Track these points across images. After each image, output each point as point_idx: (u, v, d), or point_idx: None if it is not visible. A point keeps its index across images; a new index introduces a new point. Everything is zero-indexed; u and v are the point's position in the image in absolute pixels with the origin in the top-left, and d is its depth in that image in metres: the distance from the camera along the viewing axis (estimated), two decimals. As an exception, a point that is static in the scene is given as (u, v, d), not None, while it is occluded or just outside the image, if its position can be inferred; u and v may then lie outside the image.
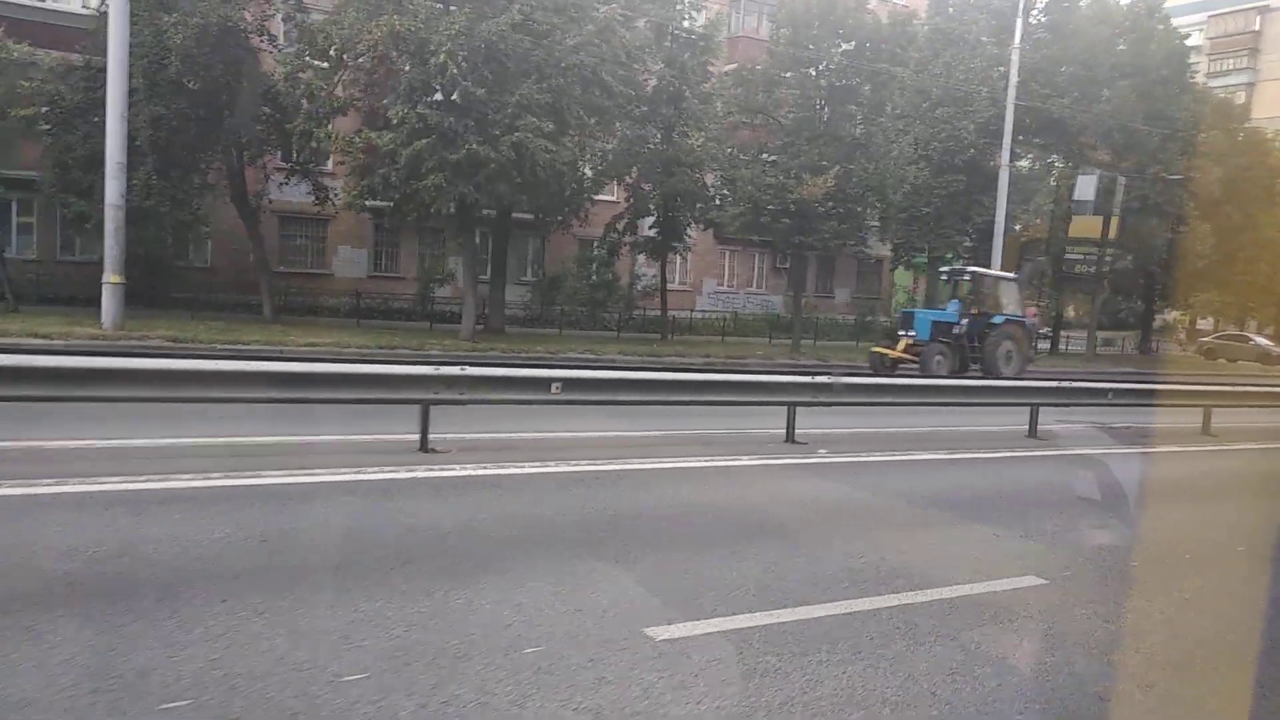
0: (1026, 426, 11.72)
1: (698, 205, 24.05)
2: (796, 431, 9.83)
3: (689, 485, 7.70)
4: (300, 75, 18.68)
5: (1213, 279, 38.07)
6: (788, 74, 21.54)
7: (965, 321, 19.85)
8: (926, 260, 33.13)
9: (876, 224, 28.02)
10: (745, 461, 8.81)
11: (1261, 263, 53.56)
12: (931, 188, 29.98)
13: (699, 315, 34.58)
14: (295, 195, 24.45)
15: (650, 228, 26.38)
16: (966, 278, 21.12)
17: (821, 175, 21.70)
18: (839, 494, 7.86)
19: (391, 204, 17.87)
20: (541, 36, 17.64)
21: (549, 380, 8.39)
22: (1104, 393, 12.68)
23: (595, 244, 28.36)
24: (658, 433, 10.24)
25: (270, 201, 24.35)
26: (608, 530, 5.97)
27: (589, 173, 23.83)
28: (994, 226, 27.54)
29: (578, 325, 30.32)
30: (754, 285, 37.58)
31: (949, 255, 33.67)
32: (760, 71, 21.03)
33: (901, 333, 20.16)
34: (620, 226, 25.68)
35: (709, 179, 24.01)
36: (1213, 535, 7.51)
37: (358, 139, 16.74)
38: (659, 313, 33.28)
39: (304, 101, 18.46)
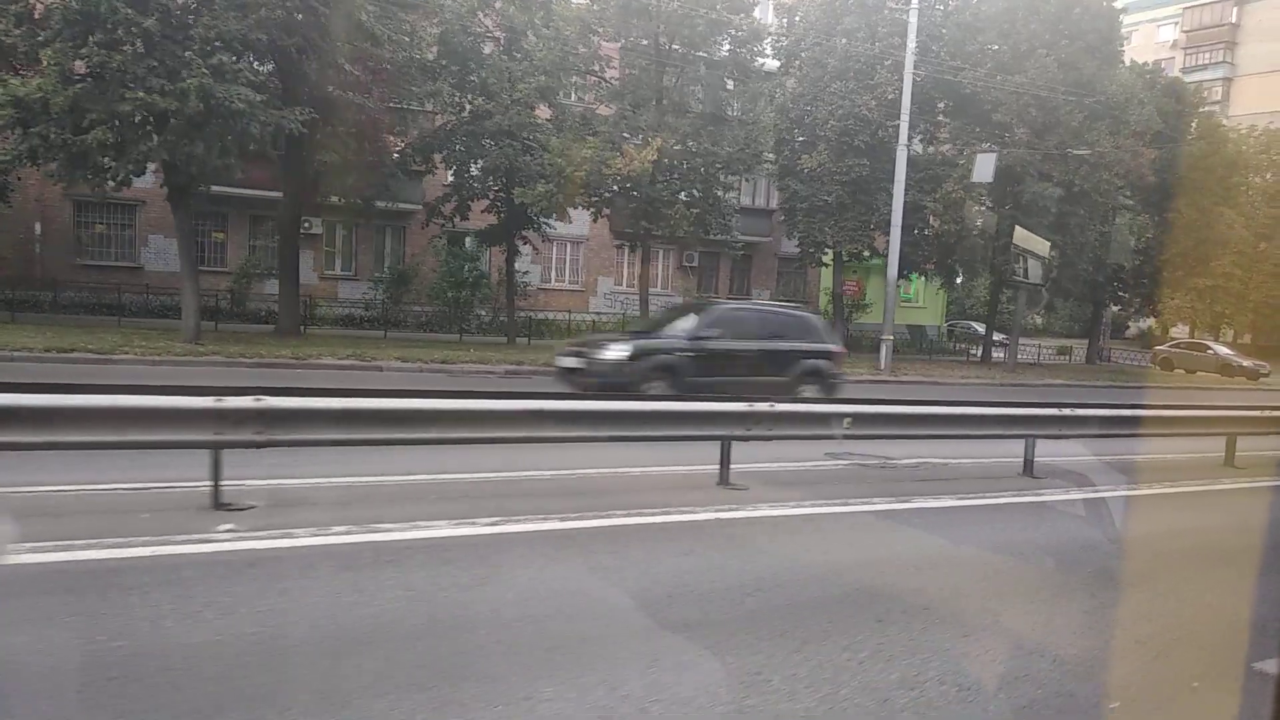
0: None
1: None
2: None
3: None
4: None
5: (1167, 280, 34.40)
6: (602, 27, 18.03)
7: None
8: (841, 256, 29.56)
9: (737, 211, 24.31)
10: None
11: (1221, 263, 49.88)
12: (832, 173, 26.49)
13: (592, 318, 31.05)
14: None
15: (485, 211, 22.78)
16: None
17: (646, 147, 18.07)
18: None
19: (59, 165, 14.23)
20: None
21: None
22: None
23: (437, 236, 24.73)
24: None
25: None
26: None
27: (402, 147, 20.25)
28: (899, 215, 23.94)
29: (432, 326, 26.74)
30: (657, 285, 33.90)
31: (865, 253, 30.12)
32: (576, 19, 17.54)
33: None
34: (446, 212, 22.08)
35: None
36: None
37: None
38: (548, 315, 29.92)
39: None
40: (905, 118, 23.16)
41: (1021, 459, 9.63)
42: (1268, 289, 51.12)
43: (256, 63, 16.64)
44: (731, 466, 7.88)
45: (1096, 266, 26.39)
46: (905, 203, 25.96)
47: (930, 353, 35.89)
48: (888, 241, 28.07)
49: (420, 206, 24.63)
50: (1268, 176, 53.92)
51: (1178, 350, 36.44)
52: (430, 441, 6.85)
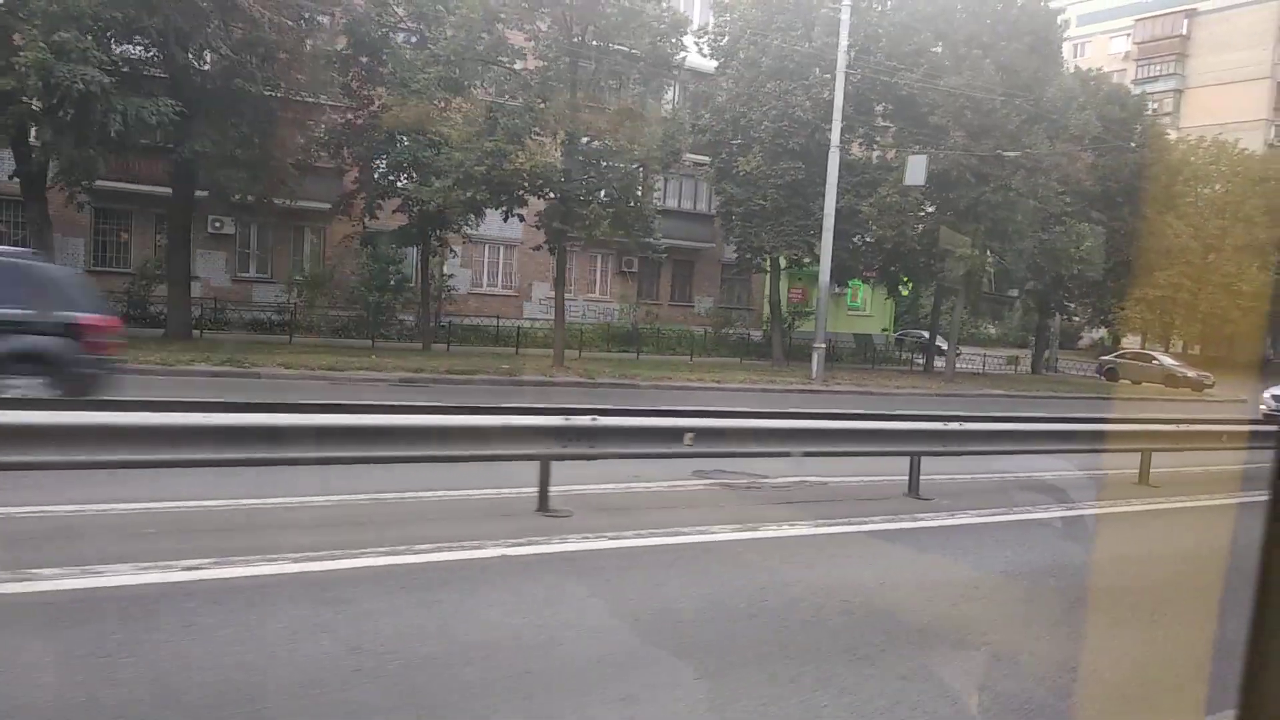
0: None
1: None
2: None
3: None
4: None
5: (1112, 290, 33.96)
6: (506, 13, 16.90)
7: None
8: (778, 263, 28.74)
9: (658, 213, 23.33)
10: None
11: (1170, 273, 49.83)
12: (767, 176, 25.66)
13: (526, 324, 29.93)
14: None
15: (397, 210, 21.62)
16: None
17: (550, 142, 16.99)
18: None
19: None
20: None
21: None
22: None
23: (351, 236, 23.47)
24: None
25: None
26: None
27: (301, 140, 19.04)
28: (831, 220, 23.11)
29: (350, 332, 25.45)
30: (596, 290, 32.95)
31: (806, 260, 29.31)
32: (480, 5, 16.41)
33: None
34: (354, 212, 20.88)
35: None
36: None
37: None
38: (480, 321, 28.79)
39: None
40: (838, 118, 22.37)
41: (908, 478, 8.74)
42: (1216, 300, 51.22)
43: (129, 45, 15.41)
44: (552, 489, 6.84)
45: (1036, 274, 25.74)
46: (841, 208, 25.23)
47: (875, 362, 35.19)
48: (839, 247, 27.39)
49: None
50: (1216, 188, 54.19)
51: (1123, 360, 36.04)
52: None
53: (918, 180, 22.02)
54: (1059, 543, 8.06)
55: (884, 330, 40.71)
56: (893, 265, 27.92)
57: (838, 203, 25.11)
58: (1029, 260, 25.18)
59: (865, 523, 7.54)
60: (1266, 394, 21.53)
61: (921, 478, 8.65)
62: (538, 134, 17.99)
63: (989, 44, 23.68)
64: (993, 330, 61.35)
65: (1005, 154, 23.18)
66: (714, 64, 27.82)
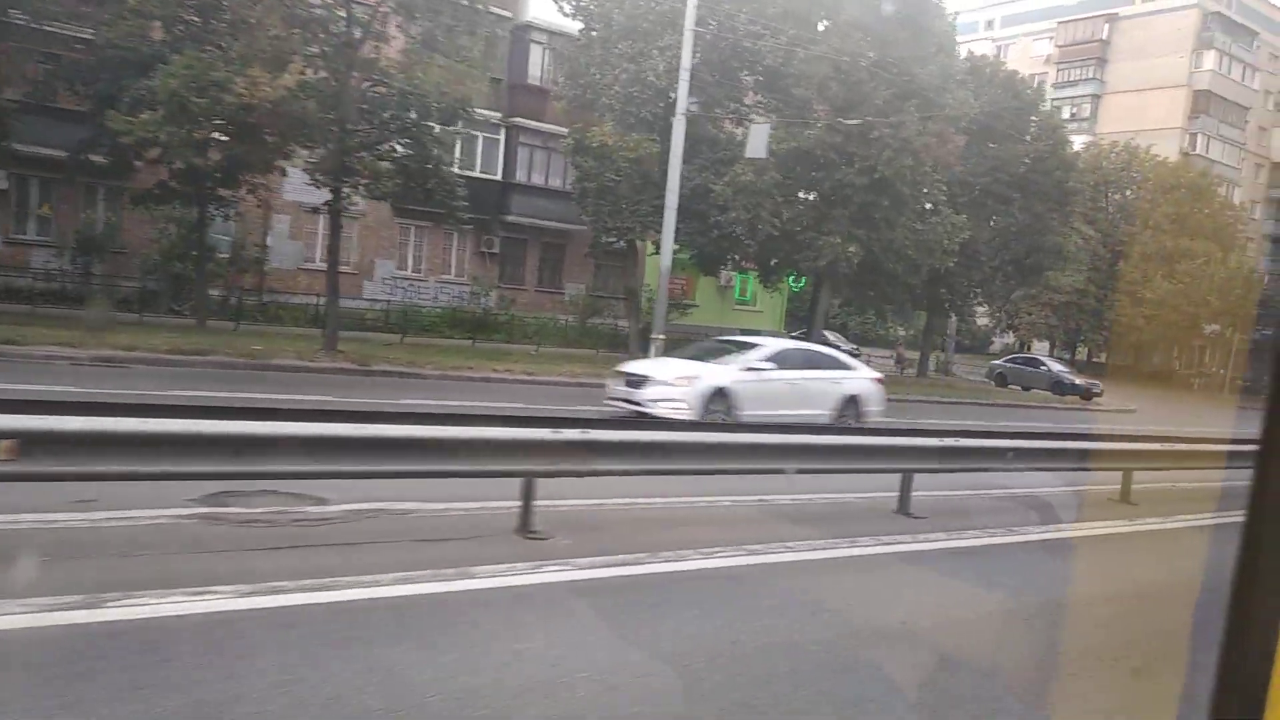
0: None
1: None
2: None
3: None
4: None
5: (999, 291, 32.24)
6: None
7: None
8: (635, 245, 26.26)
9: (461, 178, 20.51)
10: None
11: (1075, 279, 48.65)
12: (619, 149, 23.11)
13: (366, 305, 26.99)
14: None
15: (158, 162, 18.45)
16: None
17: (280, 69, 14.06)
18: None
19: None
20: None
21: None
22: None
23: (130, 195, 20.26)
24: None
25: None
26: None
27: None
28: (674, 197, 20.61)
29: (142, 305, 22.18)
30: (450, 272, 30.10)
31: (678, 247, 26.85)
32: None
33: None
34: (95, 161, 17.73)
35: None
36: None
37: None
38: (311, 299, 25.69)
39: None
40: (684, 78, 19.88)
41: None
42: (1121, 307, 50.38)
43: None
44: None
45: (910, 268, 23.66)
46: (698, 186, 22.86)
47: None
48: (698, 231, 24.96)
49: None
50: (1127, 194, 53.44)
51: (1012, 366, 34.43)
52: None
53: (759, 152, 19.66)
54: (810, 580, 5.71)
55: (775, 328, 38.52)
56: (769, 255, 25.65)
57: (694, 181, 22.75)
58: (898, 252, 23.04)
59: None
60: None
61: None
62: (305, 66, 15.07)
63: (860, 9, 21.47)
64: (903, 332, 60.02)
65: (870, 132, 20.99)
66: (580, 25, 25.23)
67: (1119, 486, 10.52)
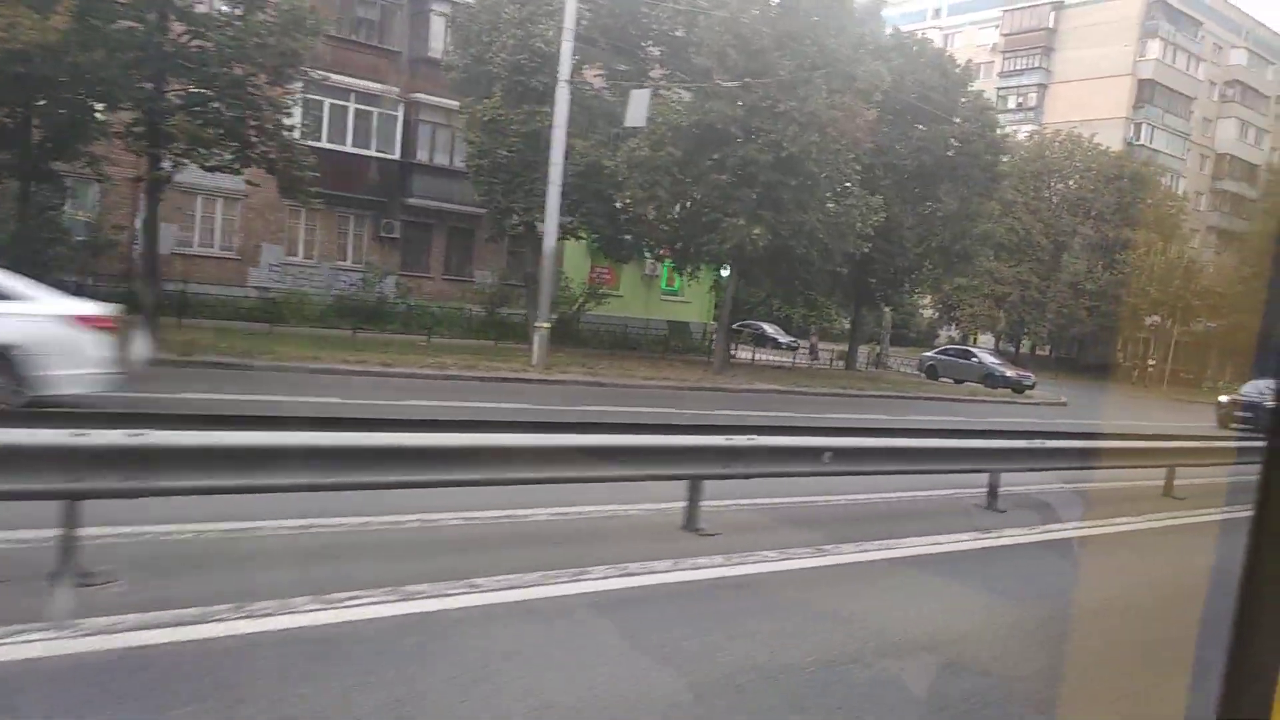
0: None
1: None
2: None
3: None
4: None
5: (926, 278, 30.95)
6: None
7: None
8: (533, 227, 24.49)
9: (306, 146, 18.56)
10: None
11: (1018, 269, 47.68)
12: (509, 122, 21.40)
13: (245, 294, 24.97)
14: None
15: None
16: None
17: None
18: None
19: None
20: None
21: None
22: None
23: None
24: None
25: None
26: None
27: None
28: (557, 171, 18.93)
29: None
30: (347, 258, 28.13)
31: (582, 230, 25.21)
32: None
33: None
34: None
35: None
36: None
37: None
38: (193, 288, 23.59)
39: None
40: (568, 40, 18.20)
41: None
42: (1064, 299, 49.59)
43: None
44: None
45: (823, 253, 22.16)
46: (594, 163, 21.19)
47: (683, 352, 31.55)
48: (598, 213, 23.32)
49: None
50: (1070, 184, 52.67)
51: (943, 358, 33.20)
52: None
53: (638, 121, 18.04)
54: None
55: (704, 319, 36.95)
56: (674, 240, 24.04)
57: (587, 158, 21.08)
58: (809, 236, 21.52)
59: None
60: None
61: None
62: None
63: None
64: (848, 324, 58.89)
65: (775, 106, 19.46)
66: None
67: (983, 490, 9.06)
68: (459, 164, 28.48)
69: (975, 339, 59.35)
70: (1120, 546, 8.50)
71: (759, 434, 6.74)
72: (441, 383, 15.94)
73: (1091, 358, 55.06)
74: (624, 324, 31.20)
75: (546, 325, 18.92)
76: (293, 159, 16.04)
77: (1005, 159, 29.47)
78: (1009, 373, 30.91)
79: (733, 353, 34.02)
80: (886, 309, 37.11)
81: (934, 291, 35.71)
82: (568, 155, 21.27)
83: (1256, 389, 23.41)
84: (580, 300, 29.82)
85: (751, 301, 51.54)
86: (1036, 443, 8.88)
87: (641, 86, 22.38)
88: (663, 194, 20.33)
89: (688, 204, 21.52)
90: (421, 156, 28.27)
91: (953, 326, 55.13)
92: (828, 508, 8.30)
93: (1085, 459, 9.90)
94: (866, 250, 22.90)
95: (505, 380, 17.11)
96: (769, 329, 45.92)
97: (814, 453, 6.91)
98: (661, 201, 20.37)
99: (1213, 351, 59.46)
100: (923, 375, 32.80)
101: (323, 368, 15.40)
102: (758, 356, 32.11)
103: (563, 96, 18.42)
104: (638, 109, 17.69)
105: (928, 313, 58.06)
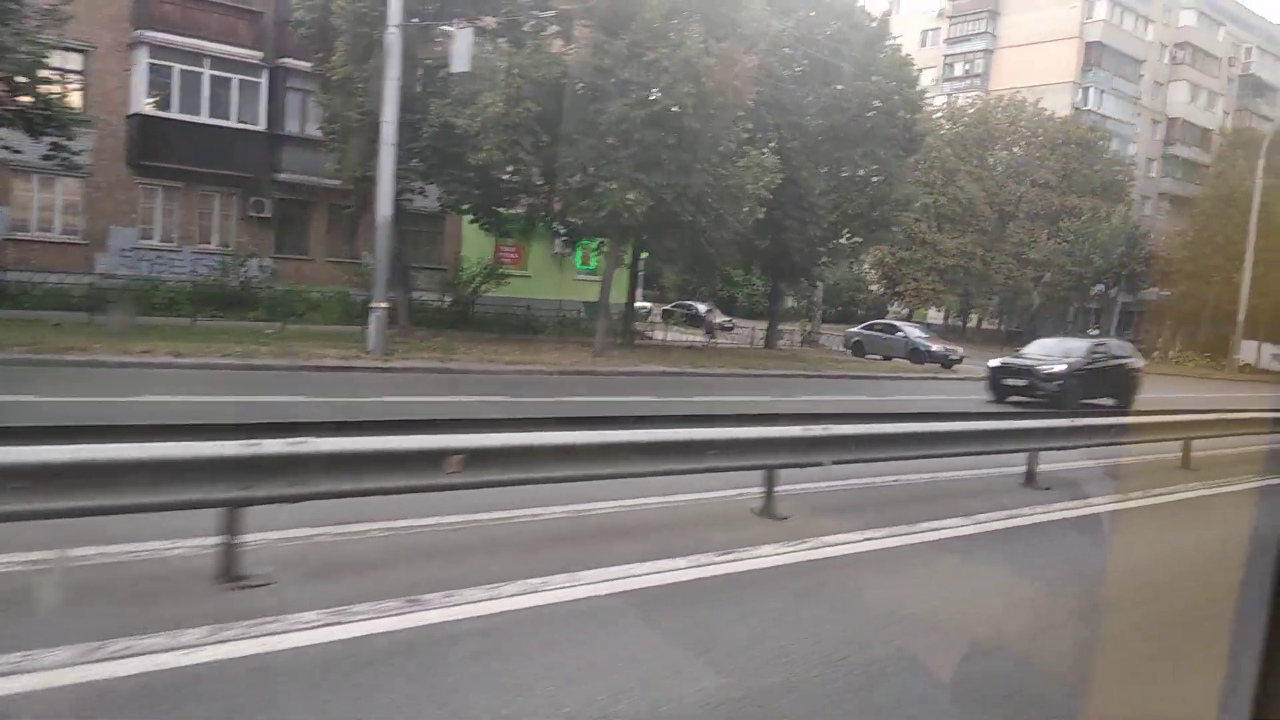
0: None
1: None
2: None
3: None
4: None
5: (843, 248, 29.03)
6: None
7: None
8: (401, 203, 22.30)
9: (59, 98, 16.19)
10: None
11: (960, 240, 46.03)
12: (355, 80, 19.22)
13: (96, 282, 22.57)
14: None
15: None
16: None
17: None
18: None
19: None
20: None
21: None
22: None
23: None
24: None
25: None
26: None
27: None
28: (390, 129, 16.73)
29: None
30: (212, 240, 25.76)
31: (467, 206, 22.97)
32: None
33: None
34: None
35: None
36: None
37: None
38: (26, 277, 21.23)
39: None
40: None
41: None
42: (1010, 270, 47.99)
43: None
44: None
45: (714, 221, 20.12)
46: (445, 125, 19.00)
47: (594, 334, 29.55)
48: (457, 179, 21.07)
49: None
50: (1015, 151, 51.00)
51: (869, 334, 31.34)
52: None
53: (463, 66, 15.90)
54: None
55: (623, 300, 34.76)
56: (545, 208, 21.94)
57: (442, 117, 18.89)
58: (698, 200, 19.47)
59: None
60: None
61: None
62: None
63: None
64: (792, 303, 57.08)
65: (644, 55, 17.38)
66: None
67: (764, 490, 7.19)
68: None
69: (925, 315, 57.80)
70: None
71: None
72: (238, 374, 13.80)
73: (1043, 331, 53.54)
74: (529, 306, 29.09)
75: (383, 306, 16.80)
76: (53, 116, 13.73)
77: (922, 116, 27.50)
78: (935, 347, 29.13)
79: (649, 333, 32.07)
80: (818, 283, 35.29)
81: (854, 261, 33.80)
82: (424, 116, 19.15)
83: (1042, 350, 19.83)
84: (475, 281, 27.66)
85: (696, 281, 49.62)
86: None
87: (504, 34, 20.19)
88: (524, 155, 18.20)
89: (558, 167, 19.38)
90: (291, 128, 25.90)
91: (897, 302, 53.41)
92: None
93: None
94: (761, 216, 20.88)
95: (323, 370, 14.99)
96: (703, 308, 43.88)
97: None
98: (522, 164, 18.23)
99: (1167, 320, 58.30)
100: (849, 352, 30.98)
101: (86, 360, 13.19)
102: (670, 337, 30.08)
103: (394, 44, 16.21)
104: (461, 52, 15.53)
105: (875, 288, 56.32)
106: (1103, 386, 18.88)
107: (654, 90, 17.74)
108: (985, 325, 54.03)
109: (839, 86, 26.13)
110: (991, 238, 47.71)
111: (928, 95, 29.42)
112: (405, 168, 19.54)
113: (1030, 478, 9.00)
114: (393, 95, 16.30)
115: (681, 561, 5.45)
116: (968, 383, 25.74)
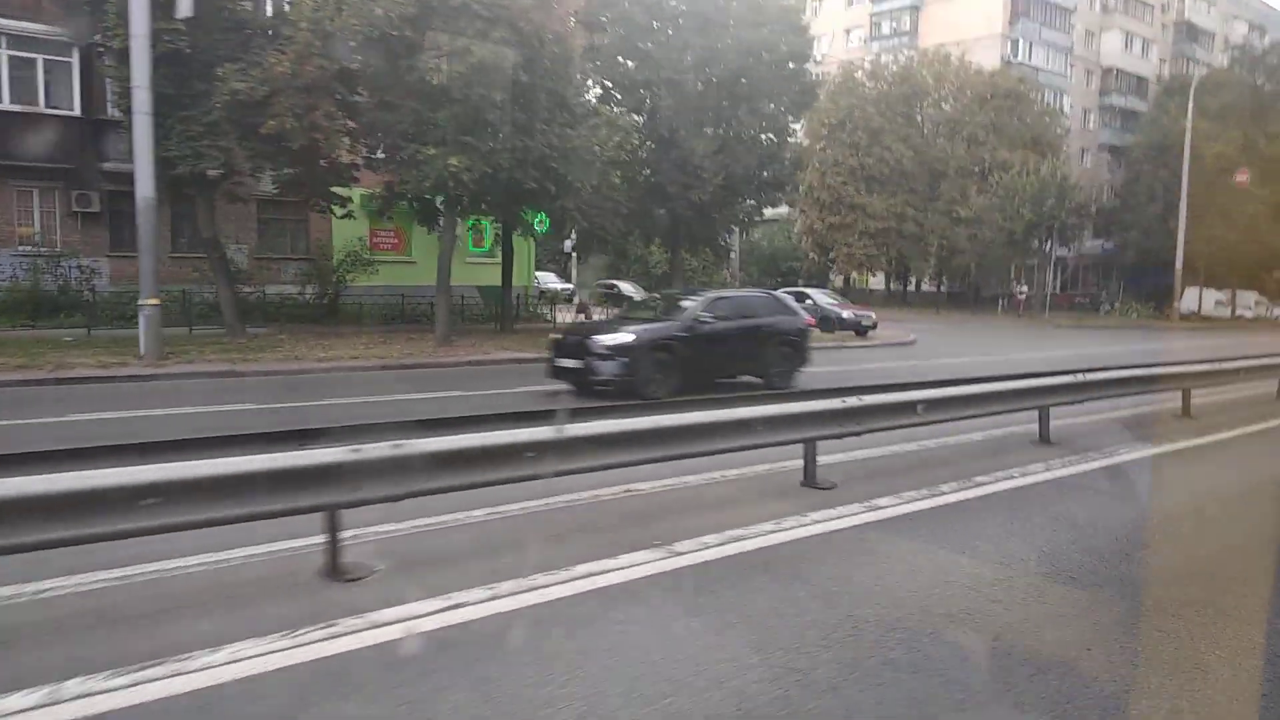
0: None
1: None
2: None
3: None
4: None
5: (722, 218, 26.81)
6: None
7: None
8: (212, 179, 19.90)
9: None
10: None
11: (890, 202, 44.17)
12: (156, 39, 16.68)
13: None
14: None
15: None
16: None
17: None
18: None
19: None
20: None
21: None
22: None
23: None
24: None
25: None
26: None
27: None
28: (143, 95, 14.36)
29: None
30: (34, 240, 23.16)
31: (361, 196, 20.57)
32: None
33: None
34: None
35: None
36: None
37: None
38: None
39: None
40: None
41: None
42: (944, 229, 46.23)
43: None
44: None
45: (562, 187, 17.87)
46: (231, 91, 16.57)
47: (486, 320, 27.57)
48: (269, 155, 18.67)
49: None
50: (945, 108, 49.18)
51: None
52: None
53: (185, 11, 13.62)
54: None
55: (525, 283, 32.50)
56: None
57: (228, 83, 16.47)
58: (541, 165, 17.25)
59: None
60: None
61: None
62: None
63: None
64: (724, 275, 55.17)
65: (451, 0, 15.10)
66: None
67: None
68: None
69: (866, 281, 56.04)
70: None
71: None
72: None
73: (985, 291, 52.05)
74: (407, 295, 26.71)
75: (153, 303, 14.43)
76: None
77: (812, 68, 25.40)
78: (845, 314, 27.15)
79: (550, 315, 29.86)
80: (730, 253, 33.24)
81: (750, 227, 31.76)
82: (214, 84, 16.74)
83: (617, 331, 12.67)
84: (338, 272, 25.33)
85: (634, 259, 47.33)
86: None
87: None
88: (323, 121, 15.88)
89: (378, 134, 17.10)
90: (115, 112, 23.29)
91: (833, 269, 51.55)
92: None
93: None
94: (617, 180, 18.71)
95: (64, 382, 12.65)
96: (627, 288, 41.68)
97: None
98: (321, 130, 15.91)
99: (1113, 272, 56.91)
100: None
101: None
102: (569, 319, 27.85)
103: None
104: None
105: (814, 256, 54.35)
106: (731, 360, 13.69)
107: (467, 39, 15.46)
108: (925, 288, 52.34)
109: (728, 41, 23.99)
110: (923, 198, 45.91)
111: (853, 50, 27.25)
112: (199, 145, 17.14)
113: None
114: (142, 56, 13.93)
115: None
116: (886, 348, 23.91)
